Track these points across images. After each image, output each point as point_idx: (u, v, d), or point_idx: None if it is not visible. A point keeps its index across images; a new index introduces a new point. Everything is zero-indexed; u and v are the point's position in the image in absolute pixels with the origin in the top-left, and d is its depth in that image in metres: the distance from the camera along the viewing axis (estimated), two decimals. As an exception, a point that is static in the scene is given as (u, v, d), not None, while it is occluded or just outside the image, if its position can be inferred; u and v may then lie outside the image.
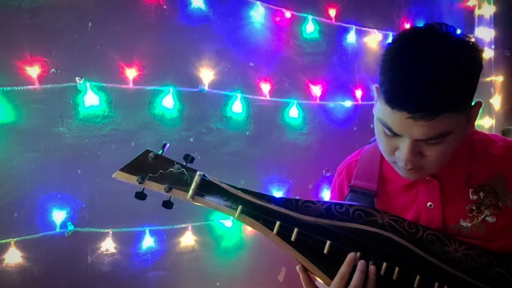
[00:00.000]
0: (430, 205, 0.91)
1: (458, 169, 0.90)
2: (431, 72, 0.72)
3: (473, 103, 0.80)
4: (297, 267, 0.84)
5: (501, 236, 0.87)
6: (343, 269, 0.80)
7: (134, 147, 1.77)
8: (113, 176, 0.81)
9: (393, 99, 0.75)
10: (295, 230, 0.81)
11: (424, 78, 0.72)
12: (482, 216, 0.88)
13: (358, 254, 0.81)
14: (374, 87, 0.91)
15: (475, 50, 0.76)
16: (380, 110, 0.80)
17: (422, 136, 0.76)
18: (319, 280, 0.83)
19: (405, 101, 0.73)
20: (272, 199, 0.84)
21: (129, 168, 0.82)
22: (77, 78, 1.63)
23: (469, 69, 0.75)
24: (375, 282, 0.79)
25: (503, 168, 0.89)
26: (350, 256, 0.80)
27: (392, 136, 0.80)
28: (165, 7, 1.84)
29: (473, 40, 0.77)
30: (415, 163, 0.80)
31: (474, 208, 0.88)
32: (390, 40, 2.35)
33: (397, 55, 0.78)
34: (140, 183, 0.81)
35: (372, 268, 0.80)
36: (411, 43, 0.77)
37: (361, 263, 0.80)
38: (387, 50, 0.80)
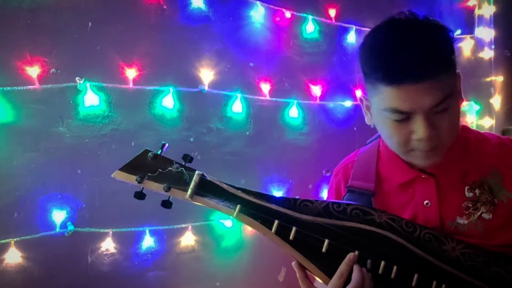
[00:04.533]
0: (427, 203, 0.91)
1: (453, 166, 0.91)
2: (419, 39, 0.78)
3: None
4: (293, 263, 0.84)
5: (498, 233, 0.88)
6: (342, 267, 0.80)
7: (134, 147, 1.77)
8: (112, 175, 0.81)
9: (395, 76, 0.77)
10: (294, 229, 0.81)
11: (416, 46, 0.77)
12: (479, 213, 0.89)
13: (357, 253, 0.81)
14: (361, 98, 0.94)
15: (443, 25, 0.83)
16: (382, 100, 0.81)
17: (432, 102, 0.77)
18: (317, 280, 0.83)
19: (407, 71, 0.76)
20: (270, 198, 0.84)
21: (128, 168, 0.82)
22: (77, 78, 1.64)
23: (446, 35, 0.81)
24: (370, 280, 0.80)
25: (498, 165, 0.91)
26: (350, 255, 0.81)
27: (403, 121, 0.81)
28: (165, 7, 1.84)
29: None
30: (433, 139, 0.81)
31: (470, 205, 0.89)
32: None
33: (380, 42, 0.82)
34: (139, 182, 0.81)
35: (364, 270, 0.80)
36: (388, 28, 0.83)
37: (356, 265, 0.80)
38: (367, 44, 0.85)
